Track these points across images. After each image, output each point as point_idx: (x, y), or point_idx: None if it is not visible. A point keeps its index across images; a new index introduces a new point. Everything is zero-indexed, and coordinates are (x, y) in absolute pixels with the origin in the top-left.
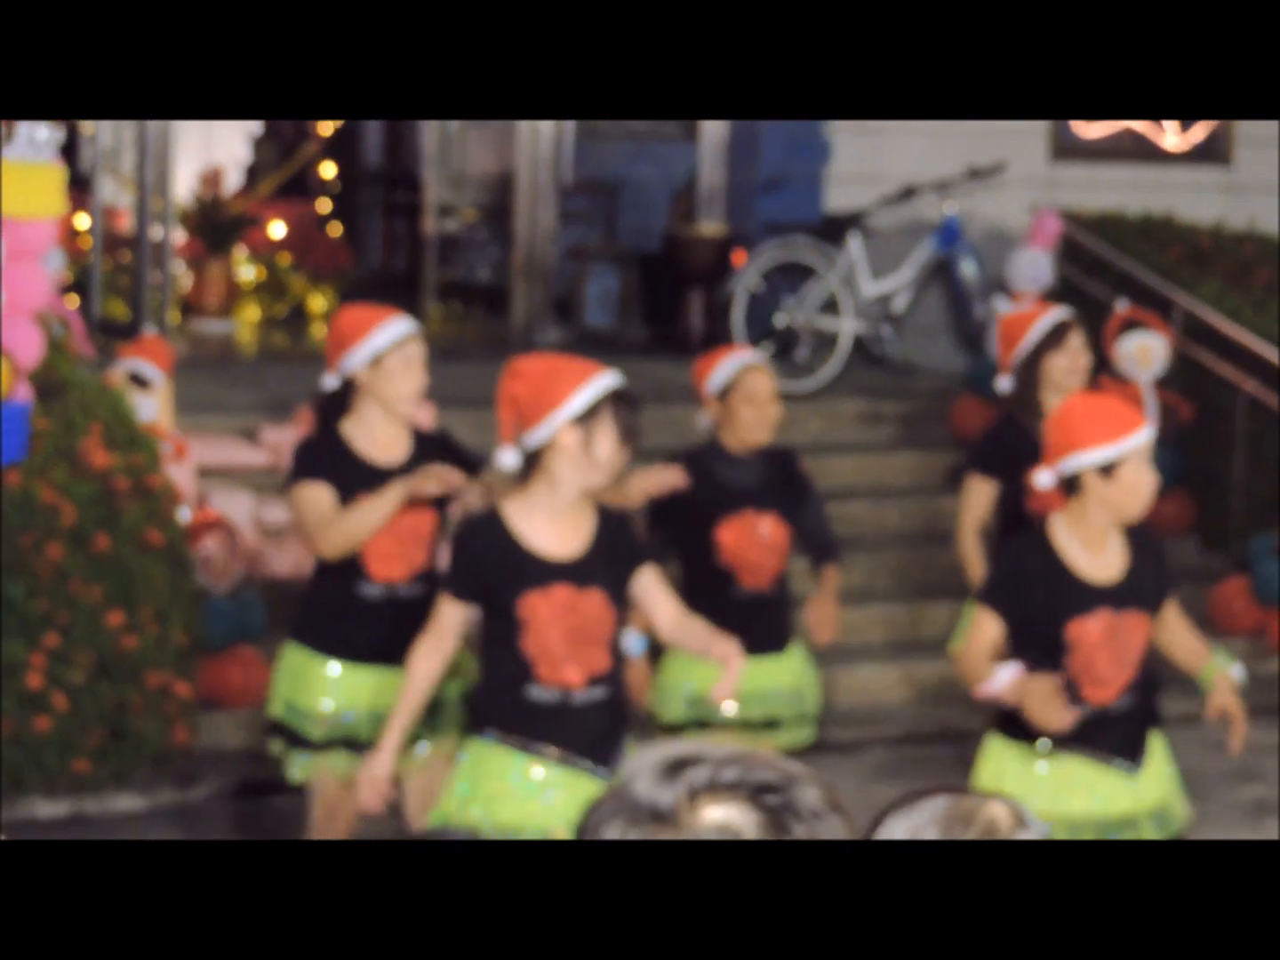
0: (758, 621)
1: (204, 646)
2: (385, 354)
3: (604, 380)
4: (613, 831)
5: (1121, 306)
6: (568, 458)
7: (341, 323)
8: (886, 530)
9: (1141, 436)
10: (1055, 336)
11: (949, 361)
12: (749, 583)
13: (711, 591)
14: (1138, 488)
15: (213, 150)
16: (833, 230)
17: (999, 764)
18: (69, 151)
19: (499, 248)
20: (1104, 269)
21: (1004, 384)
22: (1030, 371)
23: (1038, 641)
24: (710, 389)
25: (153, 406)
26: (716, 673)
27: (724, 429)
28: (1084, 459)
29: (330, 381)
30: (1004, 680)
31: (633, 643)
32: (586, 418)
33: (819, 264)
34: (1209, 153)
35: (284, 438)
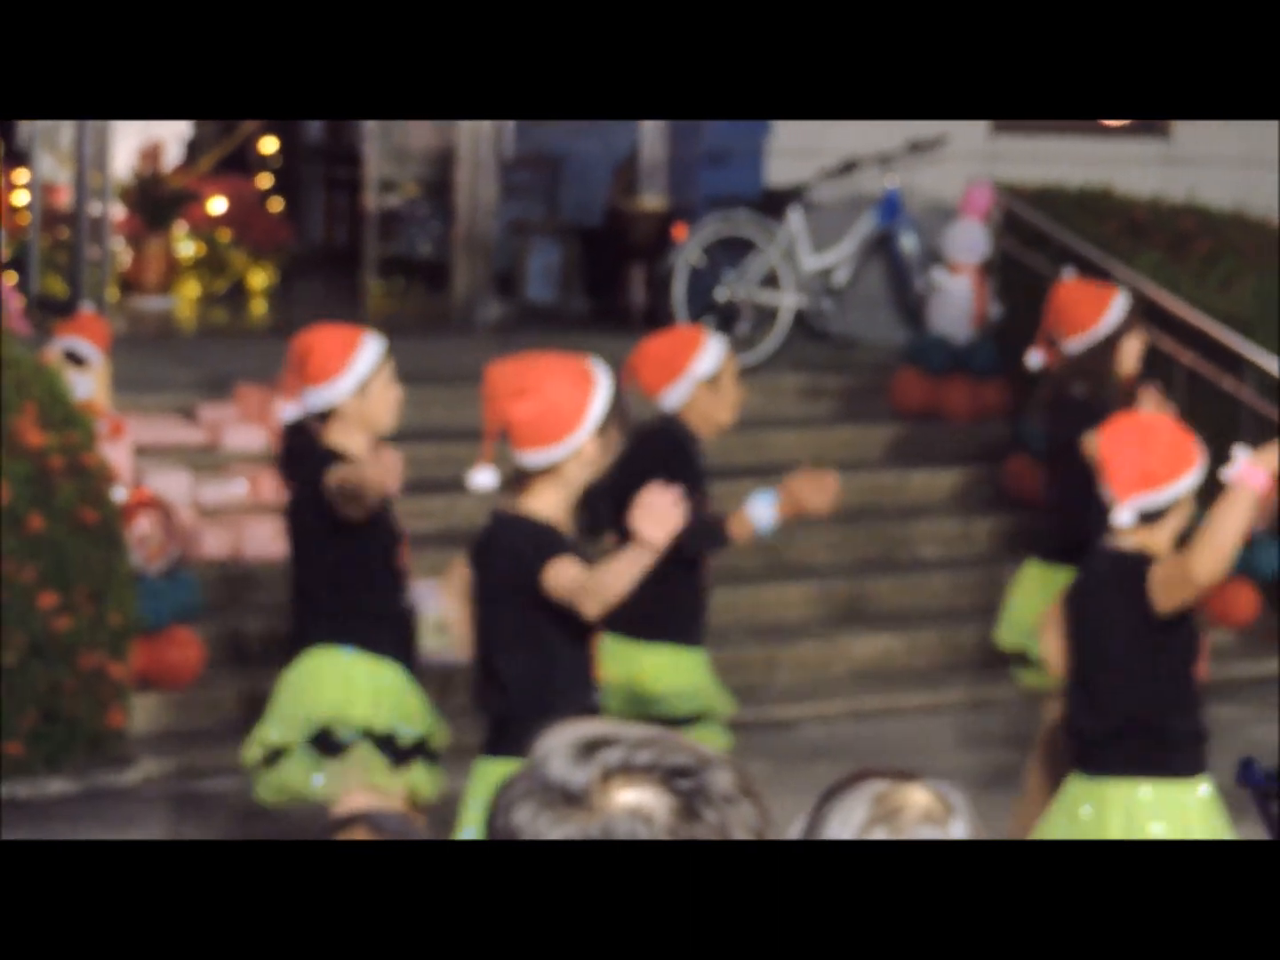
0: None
1: (139, 627)
2: (370, 378)
3: (604, 387)
4: (524, 812)
5: (1068, 277)
6: (586, 463)
7: (313, 352)
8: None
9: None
10: (1131, 319)
11: (890, 335)
12: (707, 570)
13: (685, 580)
14: None
15: (152, 126)
16: (774, 204)
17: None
18: (6, 127)
19: (440, 222)
20: (1043, 241)
21: (1036, 359)
22: (1108, 350)
23: None
24: (702, 371)
25: (89, 385)
26: (652, 665)
27: (696, 410)
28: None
29: (295, 412)
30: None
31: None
32: (602, 427)
33: (760, 238)
34: (1147, 126)
35: (222, 416)
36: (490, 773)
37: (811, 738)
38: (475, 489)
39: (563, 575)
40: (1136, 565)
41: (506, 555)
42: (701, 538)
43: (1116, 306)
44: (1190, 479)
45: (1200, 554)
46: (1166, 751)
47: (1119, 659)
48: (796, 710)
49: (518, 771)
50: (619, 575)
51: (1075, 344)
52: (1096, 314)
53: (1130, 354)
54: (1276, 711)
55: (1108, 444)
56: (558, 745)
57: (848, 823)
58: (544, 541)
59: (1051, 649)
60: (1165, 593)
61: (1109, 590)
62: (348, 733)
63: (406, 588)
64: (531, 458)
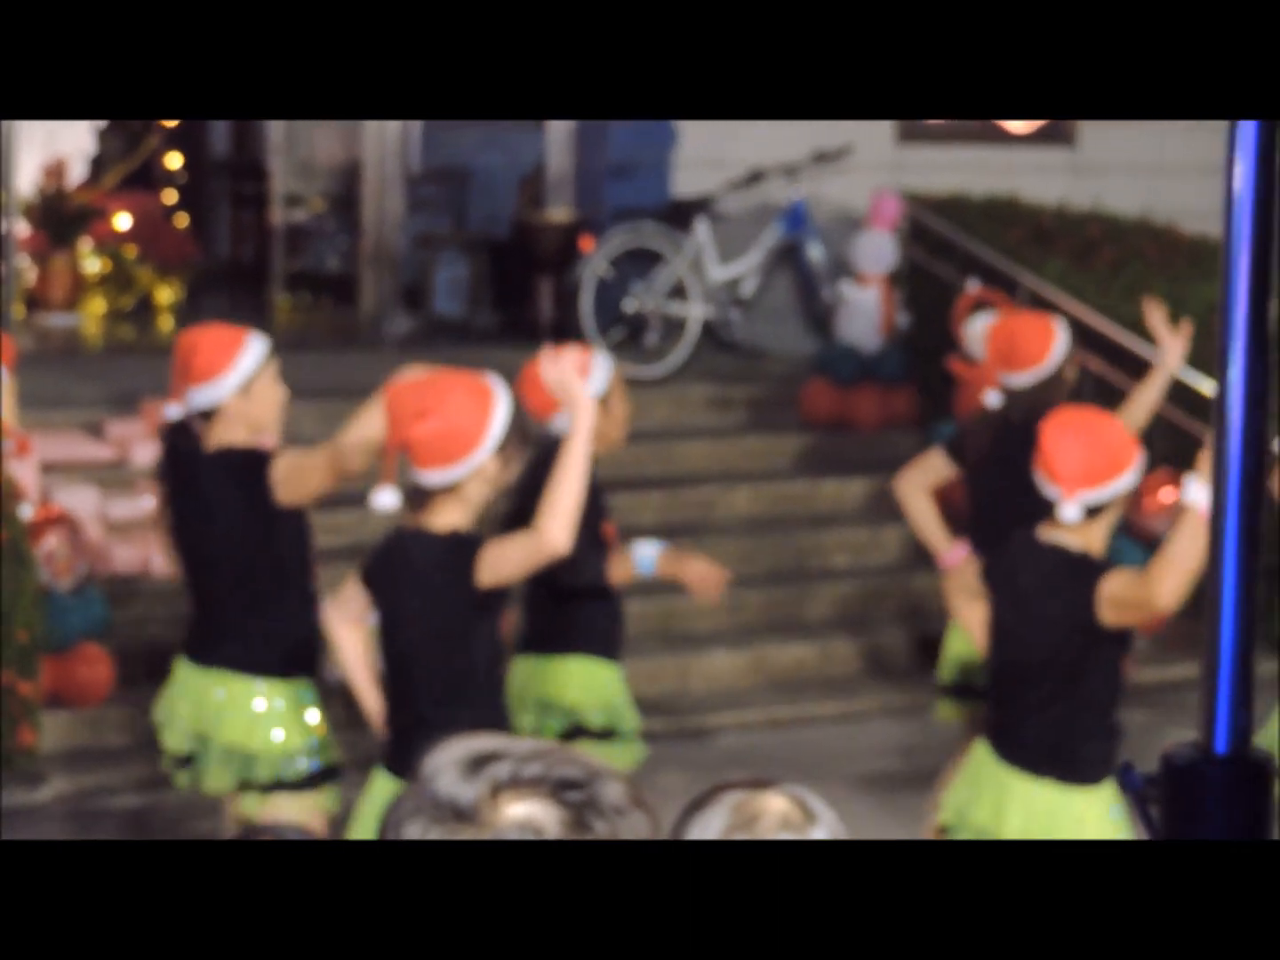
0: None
1: (48, 645)
2: (255, 377)
3: (504, 404)
4: (414, 829)
5: (971, 287)
6: (486, 481)
7: (198, 351)
8: (737, 515)
9: None
10: (1071, 346)
11: (798, 345)
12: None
13: (595, 595)
14: None
15: (56, 142)
16: (680, 215)
17: None
18: None
19: (347, 237)
20: (949, 250)
21: (994, 398)
22: (1056, 382)
23: None
24: (592, 392)
25: None
26: (564, 677)
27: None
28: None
29: (178, 411)
30: None
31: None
32: (502, 445)
33: (667, 249)
34: (1053, 134)
35: (130, 432)
36: (389, 786)
37: (727, 747)
38: (378, 510)
39: (506, 545)
40: (1088, 571)
41: (423, 570)
42: (594, 567)
43: (1061, 339)
44: (1131, 476)
45: (1164, 579)
46: (1075, 757)
47: (1048, 658)
48: (711, 720)
49: (407, 788)
50: (567, 478)
51: (1023, 379)
52: (1044, 349)
53: (1071, 379)
54: (1187, 715)
55: (1052, 439)
56: (446, 761)
57: (706, 832)
58: (461, 543)
59: (974, 622)
60: (1117, 610)
61: (1056, 592)
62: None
63: (317, 606)
64: (433, 477)
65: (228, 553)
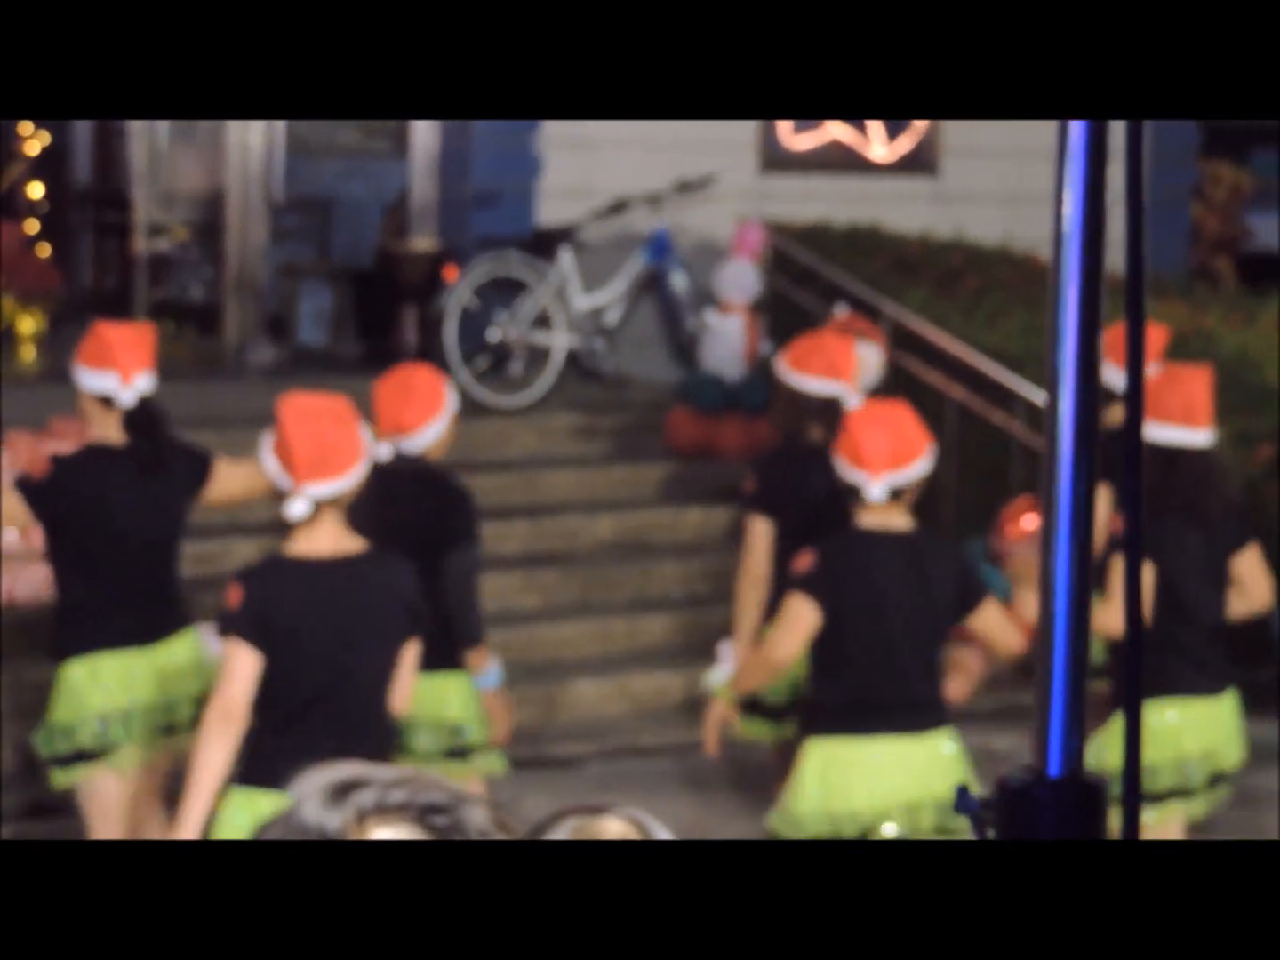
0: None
1: None
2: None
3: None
4: None
5: (840, 312)
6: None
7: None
8: (601, 543)
9: None
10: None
11: (662, 373)
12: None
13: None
14: None
15: None
16: (544, 244)
17: None
18: None
19: (211, 266)
20: (813, 279)
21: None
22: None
23: None
24: (452, 410)
25: None
26: (461, 700)
27: (439, 449)
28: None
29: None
30: None
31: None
32: None
33: (531, 278)
34: (915, 163)
35: None
36: (251, 803)
37: (593, 775)
38: (291, 518)
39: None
40: (976, 587)
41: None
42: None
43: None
44: (927, 461)
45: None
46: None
47: (899, 643)
48: (577, 748)
49: (272, 817)
50: None
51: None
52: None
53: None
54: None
55: (857, 428)
56: (310, 789)
57: None
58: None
59: (798, 630)
60: (995, 632)
61: (923, 578)
62: None
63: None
64: (321, 490)
65: None
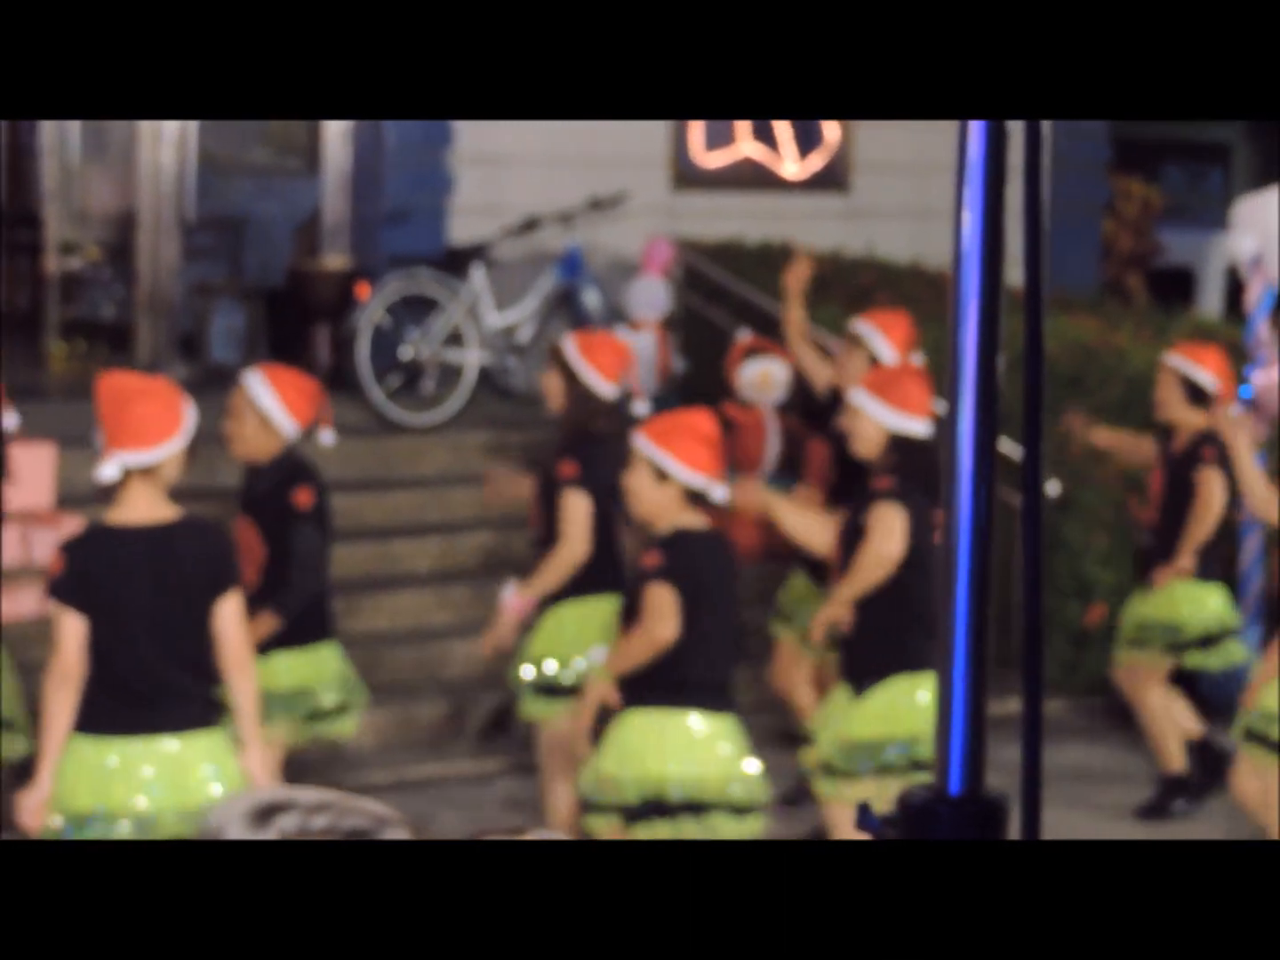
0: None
1: None
2: None
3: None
4: None
5: (743, 335)
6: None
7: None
8: (515, 561)
9: None
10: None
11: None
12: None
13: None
14: None
15: None
16: (456, 262)
17: None
18: None
19: (123, 285)
20: (725, 296)
21: None
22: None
23: None
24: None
25: None
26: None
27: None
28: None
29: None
30: None
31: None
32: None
33: (443, 296)
34: (827, 180)
35: None
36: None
37: (504, 792)
38: (99, 481)
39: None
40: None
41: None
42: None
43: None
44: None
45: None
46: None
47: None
48: (488, 765)
49: (197, 838)
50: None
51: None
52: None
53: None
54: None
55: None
56: (233, 813)
57: None
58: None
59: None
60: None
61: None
62: None
63: None
64: (129, 459)
65: None
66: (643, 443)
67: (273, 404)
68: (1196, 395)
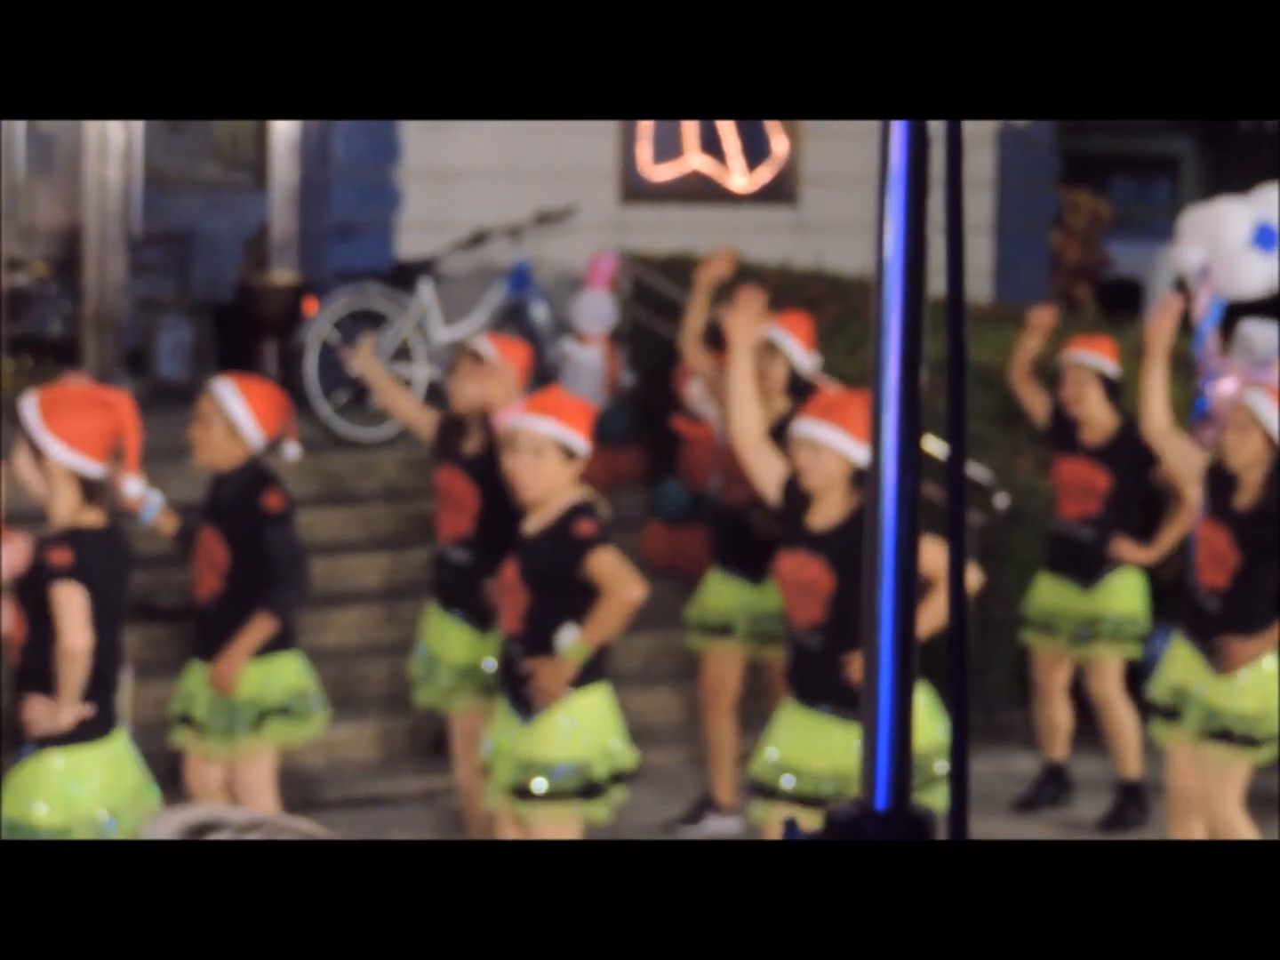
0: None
1: None
2: None
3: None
4: None
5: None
6: None
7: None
8: None
9: None
10: None
11: None
12: None
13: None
14: None
15: None
16: (404, 277)
17: None
18: None
19: (70, 301)
20: (673, 310)
21: None
22: None
23: None
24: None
25: None
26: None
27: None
28: None
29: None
30: None
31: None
32: None
33: (391, 311)
34: (775, 193)
35: None
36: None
37: (456, 808)
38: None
39: None
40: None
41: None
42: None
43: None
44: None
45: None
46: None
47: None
48: (440, 781)
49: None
50: None
51: None
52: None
53: None
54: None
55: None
56: (164, 832)
57: None
58: None
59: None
60: None
61: None
62: None
63: None
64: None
65: None
66: None
67: (241, 412)
68: (1111, 389)
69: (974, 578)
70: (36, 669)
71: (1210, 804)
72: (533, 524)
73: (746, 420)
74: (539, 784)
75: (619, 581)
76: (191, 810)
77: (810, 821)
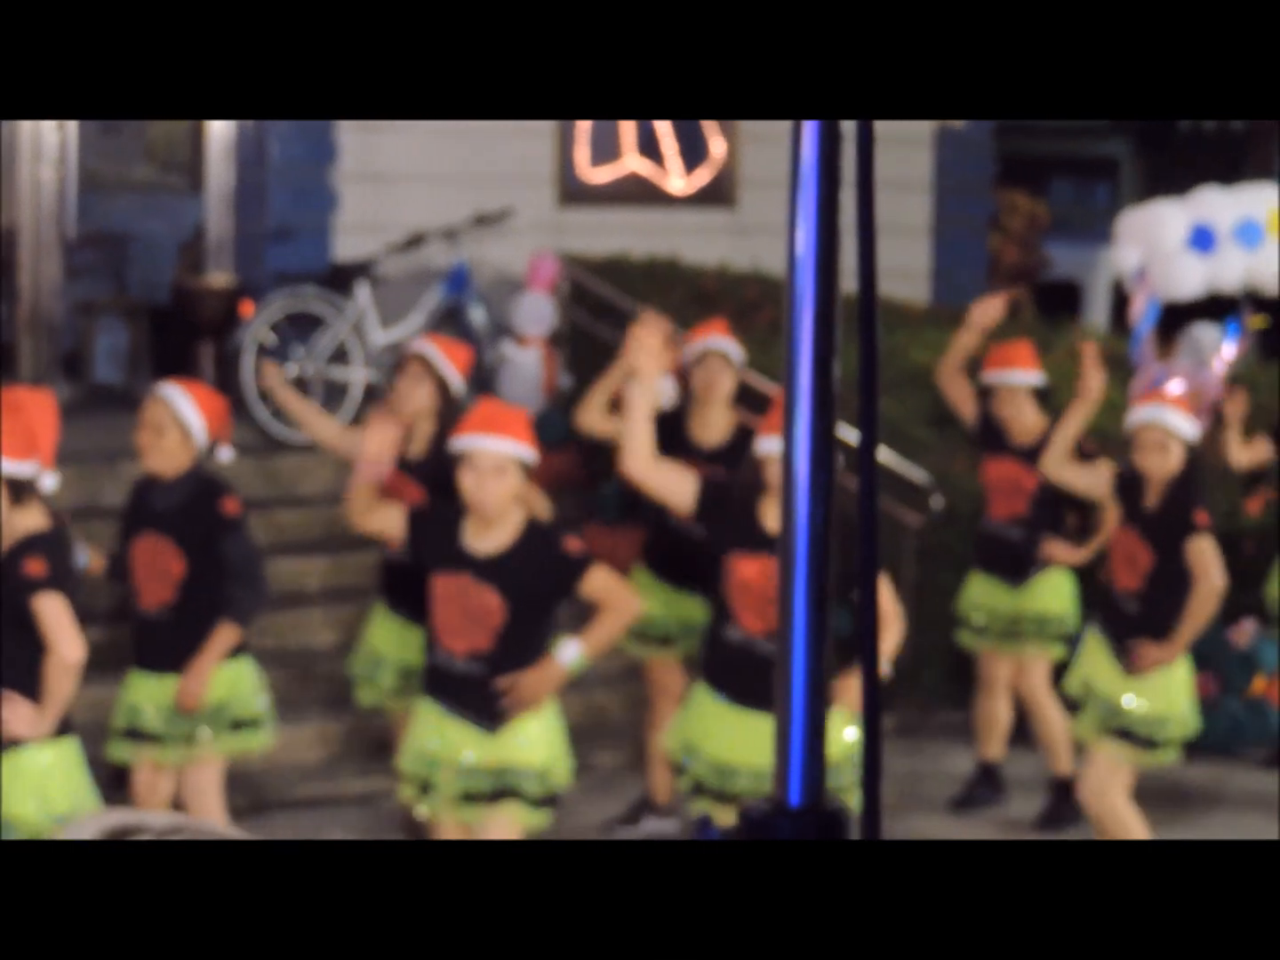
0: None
1: None
2: None
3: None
4: None
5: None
6: None
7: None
8: None
9: None
10: None
11: (461, 408)
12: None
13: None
14: None
15: None
16: (341, 279)
17: None
18: None
19: (4, 304)
20: (611, 312)
21: None
22: None
23: None
24: None
25: None
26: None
27: None
28: None
29: None
30: None
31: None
32: None
33: (328, 313)
34: (713, 195)
35: None
36: None
37: (397, 811)
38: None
39: None
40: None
41: None
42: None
43: None
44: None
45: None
46: None
47: None
48: (379, 783)
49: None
50: None
51: None
52: None
53: None
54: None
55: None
56: (83, 835)
57: None
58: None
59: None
60: None
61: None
62: None
63: None
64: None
65: None
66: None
67: (194, 418)
68: (1040, 395)
69: (891, 638)
70: (14, 678)
71: (1096, 796)
72: (490, 542)
73: (637, 441)
74: (530, 788)
75: (621, 597)
76: (110, 814)
77: (726, 817)
